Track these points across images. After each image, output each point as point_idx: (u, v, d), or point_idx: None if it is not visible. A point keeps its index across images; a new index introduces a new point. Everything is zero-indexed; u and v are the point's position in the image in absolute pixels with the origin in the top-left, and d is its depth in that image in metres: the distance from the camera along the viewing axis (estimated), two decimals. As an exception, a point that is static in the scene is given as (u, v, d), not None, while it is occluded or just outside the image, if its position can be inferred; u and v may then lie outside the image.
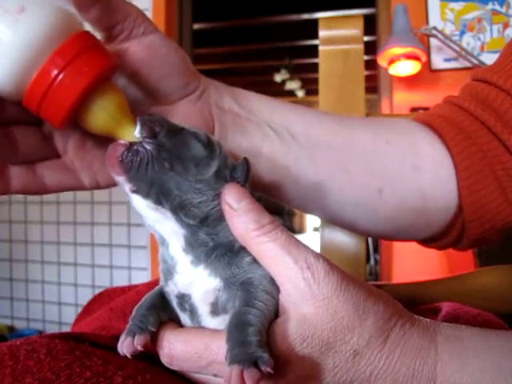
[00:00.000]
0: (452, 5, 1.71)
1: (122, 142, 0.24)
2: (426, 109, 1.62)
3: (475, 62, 1.57)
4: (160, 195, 0.24)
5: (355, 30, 0.62)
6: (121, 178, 0.24)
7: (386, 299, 0.26)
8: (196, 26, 2.39)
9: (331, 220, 0.39)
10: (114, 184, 0.28)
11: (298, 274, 0.24)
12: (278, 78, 4.87)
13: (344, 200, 0.35)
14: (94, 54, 0.23)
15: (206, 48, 4.15)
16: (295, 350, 0.24)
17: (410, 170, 0.35)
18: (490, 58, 1.64)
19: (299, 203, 0.36)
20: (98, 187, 0.30)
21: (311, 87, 5.12)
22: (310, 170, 0.33)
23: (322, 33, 0.63)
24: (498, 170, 0.34)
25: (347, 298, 0.24)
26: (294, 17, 3.53)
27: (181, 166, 0.24)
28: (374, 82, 2.02)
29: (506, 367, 0.25)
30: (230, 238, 0.26)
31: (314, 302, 0.24)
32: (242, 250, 0.26)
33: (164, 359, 0.26)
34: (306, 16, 3.47)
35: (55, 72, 0.22)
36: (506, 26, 1.68)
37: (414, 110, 1.69)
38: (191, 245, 0.26)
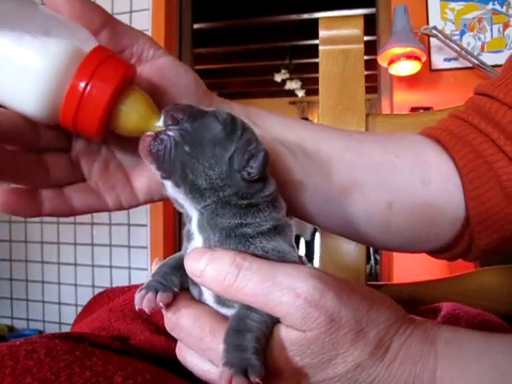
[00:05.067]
0: (452, 5, 1.71)
1: (149, 133, 0.25)
2: (426, 108, 1.62)
3: (475, 61, 1.57)
4: (178, 178, 0.24)
5: (355, 30, 0.62)
6: (153, 167, 0.25)
7: (389, 305, 0.26)
8: (196, 26, 2.39)
9: (343, 233, 0.39)
10: (136, 205, 0.30)
11: (290, 306, 0.23)
12: (278, 77, 4.87)
13: (356, 213, 0.35)
14: (113, 63, 0.25)
15: (206, 48, 4.15)
16: (294, 360, 0.24)
17: (419, 183, 0.36)
18: (490, 58, 1.64)
19: (312, 217, 0.37)
20: (122, 208, 0.31)
21: (311, 87, 5.11)
22: (324, 185, 0.34)
23: (322, 33, 0.63)
24: (503, 181, 0.34)
25: (349, 313, 0.24)
26: (294, 17, 3.53)
27: (199, 149, 0.24)
28: (374, 81, 2.02)
29: (507, 371, 0.25)
30: (240, 222, 0.25)
31: (317, 324, 0.23)
32: (259, 235, 0.25)
33: (168, 324, 0.26)
34: (306, 16, 3.47)
35: (83, 85, 0.23)
36: (506, 25, 1.67)
37: (414, 109, 1.68)
38: (202, 226, 0.26)
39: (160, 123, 0.25)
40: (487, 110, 0.36)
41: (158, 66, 0.29)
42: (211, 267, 0.24)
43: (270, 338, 0.24)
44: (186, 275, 0.26)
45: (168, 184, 0.26)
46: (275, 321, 0.24)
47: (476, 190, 0.35)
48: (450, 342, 0.26)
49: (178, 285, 0.26)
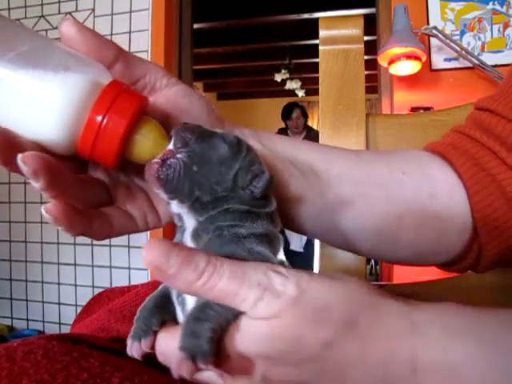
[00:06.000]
0: (452, 5, 1.71)
1: (155, 160, 0.26)
2: (426, 108, 1.62)
3: (475, 61, 1.57)
4: (183, 196, 0.26)
5: (355, 30, 0.62)
6: (160, 191, 0.26)
7: (356, 283, 0.25)
8: (196, 26, 2.39)
9: (353, 249, 0.40)
10: (159, 226, 0.32)
11: (256, 299, 0.23)
12: (278, 77, 4.87)
13: (366, 228, 0.36)
14: (127, 97, 0.26)
15: (206, 48, 4.15)
16: (262, 349, 0.23)
17: (426, 196, 0.37)
18: (490, 58, 1.64)
19: (323, 234, 0.38)
20: (148, 229, 0.32)
21: (311, 87, 5.11)
22: (333, 202, 0.35)
23: (322, 32, 0.63)
24: (508, 192, 0.35)
25: (313, 294, 0.23)
26: (294, 17, 3.53)
27: (205, 167, 0.26)
28: (374, 81, 2.02)
29: (498, 349, 0.23)
30: (236, 224, 0.26)
31: (280, 310, 0.23)
32: (251, 236, 0.26)
33: (159, 357, 0.26)
34: (306, 16, 3.47)
35: (100, 119, 0.25)
36: (506, 25, 1.67)
37: (414, 109, 1.69)
38: (196, 233, 0.27)
39: (170, 146, 0.26)
40: (487, 123, 0.37)
41: (172, 94, 0.30)
42: (180, 268, 0.24)
43: (235, 330, 0.24)
44: (167, 310, 0.27)
45: (173, 202, 0.27)
46: (237, 313, 0.25)
47: (481, 201, 0.36)
48: (433, 321, 0.25)
49: (157, 324, 0.27)
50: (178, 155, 0.26)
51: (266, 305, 0.23)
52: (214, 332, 0.23)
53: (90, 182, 0.30)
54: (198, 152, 0.26)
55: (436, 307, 0.26)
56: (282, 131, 3.72)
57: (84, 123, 0.25)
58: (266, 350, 0.23)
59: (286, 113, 3.61)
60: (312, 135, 3.52)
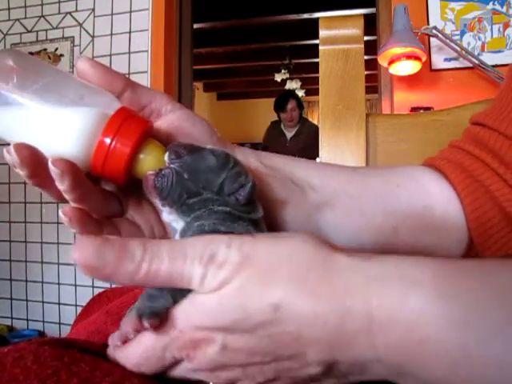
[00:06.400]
0: (452, 5, 1.71)
1: (150, 172, 0.29)
2: (426, 108, 1.62)
3: (476, 61, 1.57)
4: (172, 200, 0.28)
5: (355, 30, 0.62)
6: (156, 200, 0.29)
7: (301, 238, 0.25)
8: (196, 26, 2.39)
9: None
10: (165, 237, 0.34)
11: (204, 275, 0.23)
12: (278, 77, 4.87)
13: (362, 241, 0.37)
14: (133, 122, 0.30)
15: (206, 48, 4.15)
16: (214, 322, 0.24)
17: (421, 207, 0.38)
18: (490, 58, 1.64)
19: None
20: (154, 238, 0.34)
21: (311, 87, 5.11)
22: (330, 216, 0.36)
23: (322, 32, 0.63)
24: (501, 202, 0.36)
25: (254, 261, 0.23)
26: (294, 17, 3.53)
27: (195, 175, 0.28)
28: (374, 81, 2.02)
29: (469, 303, 0.22)
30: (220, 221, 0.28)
31: (224, 281, 0.23)
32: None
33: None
34: (306, 16, 3.47)
35: (109, 141, 0.29)
36: (506, 25, 1.67)
37: (414, 109, 1.69)
38: (183, 232, 0.28)
39: (165, 158, 0.29)
40: (481, 137, 0.39)
41: (175, 118, 0.33)
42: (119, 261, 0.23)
43: (190, 306, 0.24)
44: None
45: (165, 209, 0.29)
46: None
47: (475, 211, 0.37)
48: (389, 273, 0.24)
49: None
50: (172, 165, 0.28)
51: (212, 278, 0.23)
52: (169, 300, 0.25)
53: (105, 194, 0.33)
54: (189, 162, 0.28)
55: (393, 259, 0.25)
56: (275, 124, 3.54)
57: (96, 145, 0.29)
58: (220, 321, 0.24)
59: (280, 104, 3.34)
60: (307, 127, 3.37)
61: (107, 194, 0.33)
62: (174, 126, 0.33)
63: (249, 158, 0.35)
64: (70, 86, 0.31)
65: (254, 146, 2.20)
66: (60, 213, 0.30)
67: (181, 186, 0.28)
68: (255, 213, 0.29)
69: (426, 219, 0.37)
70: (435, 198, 0.38)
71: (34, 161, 0.28)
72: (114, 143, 0.29)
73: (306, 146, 3.12)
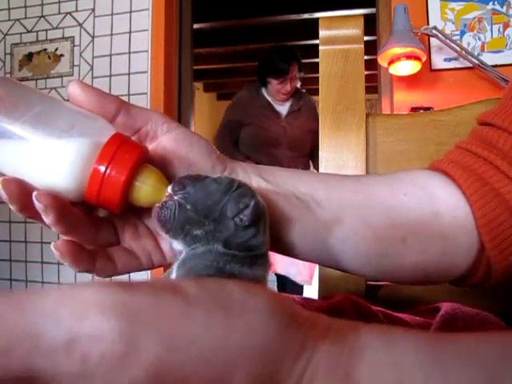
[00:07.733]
0: (452, 5, 1.71)
1: (157, 204, 0.29)
2: (426, 108, 1.62)
3: (475, 61, 1.57)
4: (175, 231, 0.28)
5: (355, 30, 0.62)
6: (162, 232, 0.29)
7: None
8: (196, 26, 2.38)
9: (358, 273, 0.40)
10: (164, 265, 0.34)
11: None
12: (278, 77, 4.83)
13: (370, 253, 0.36)
14: (127, 148, 0.29)
15: (206, 48, 4.15)
16: None
17: (429, 215, 0.37)
18: (490, 58, 1.64)
19: (325, 261, 0.38)
20: (152, 267, 0.34)
21: (311, 87, 5.11)
22: (338, 231, 0.35)
23: (322, 33, 0.63)
24: None
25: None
26: (294, 17, 3.53)
27: (197, 205, 0.28)
28: (374, 81, 2.02)
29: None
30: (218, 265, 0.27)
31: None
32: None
33: None
34: (306, 16, 3.47)
35: (103, 169, 0.28)
36: (506, 25, 1.68)
37: (414, 109, 1.69)
38: (182, 265, 0.28)
39: (169, 189, 0.29)
40: (489, 138, 0.38)
41: (172, 138, 0.32)
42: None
43: None
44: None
45: (173, 241, 0.29)
46: None
47: (486, 216, 0.36)
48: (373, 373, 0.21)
49: None
50: (175, 197, 0.28)
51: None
52: None
53: (98, 222, 0.32)
54: (192, 192, 0.28)
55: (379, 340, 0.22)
56: (255, 91, 2.27)
57: (90, 174, 0.28)
58: None
59: (277, 67, 2.08)
60: (306, 100, 2.23)
61: (101, 223, 0.32)
62: (171, 146, 0.32)
63: (250, 175, 0.35)
64: (60, 114, 0.30)
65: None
66: (52, 247, 0.29)
67: (183, 218, 0.28)
68: (258, 237, 0.28)
69: (435, 227, 0.36)
70: (443, 204, 0.37)
71: (22, 196, 0.27)
72: (108, 171, 0.28)
73: (310, 129, 2.07)
